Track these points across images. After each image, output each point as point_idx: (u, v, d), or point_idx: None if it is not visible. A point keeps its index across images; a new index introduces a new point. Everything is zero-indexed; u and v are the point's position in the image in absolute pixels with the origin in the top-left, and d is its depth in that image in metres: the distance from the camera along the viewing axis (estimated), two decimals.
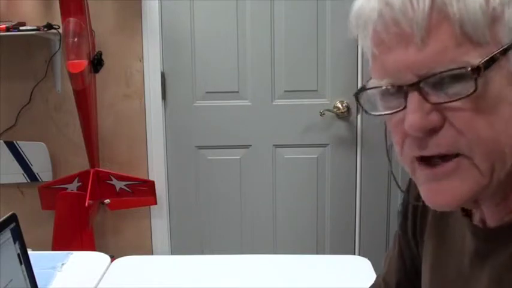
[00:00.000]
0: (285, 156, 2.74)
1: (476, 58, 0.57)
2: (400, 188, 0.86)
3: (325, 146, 2.72)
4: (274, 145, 2.73)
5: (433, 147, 0.61)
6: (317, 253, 2.77)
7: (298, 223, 2.79)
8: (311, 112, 2.66)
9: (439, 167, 0.62)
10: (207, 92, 2.69)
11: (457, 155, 0.61)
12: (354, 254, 2.74)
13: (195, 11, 2.62)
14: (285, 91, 2.67)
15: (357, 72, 2.63)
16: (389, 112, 0.63)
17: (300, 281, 1.49)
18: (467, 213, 0.73)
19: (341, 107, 2.65)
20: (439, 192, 0.63)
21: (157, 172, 2.71)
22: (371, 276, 1.47)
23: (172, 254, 2.80)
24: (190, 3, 2.61)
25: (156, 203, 2.65)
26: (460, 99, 0.58)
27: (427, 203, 0.65)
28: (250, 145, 2.74)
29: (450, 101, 0.59)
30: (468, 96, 0.58)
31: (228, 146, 2.74)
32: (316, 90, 2.67)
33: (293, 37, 2.63)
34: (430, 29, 0.58)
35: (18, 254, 1.01)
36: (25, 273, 1.02)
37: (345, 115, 2.67)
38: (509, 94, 0.59)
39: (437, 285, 0.77)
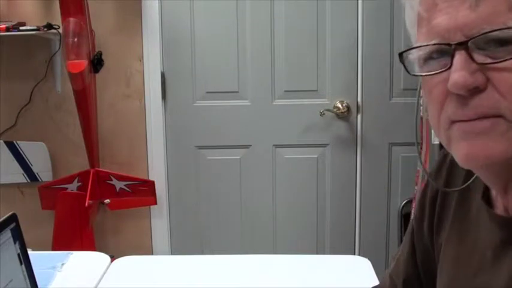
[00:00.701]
0: (285, 156, 2.74)
1: None
2: (427, 173, 0.85)
3: (325, 146, 2.72)
4: (274, 145, 2.73)
5: (475, 108, 0.61)
6: (317, 253, 2.76)
7: (298, 223, 2.79)
8: (311, 112, 2.66)
9: (478, 122, 0.61)
10: (207, 92, 2.69)
11: (496, 117, 0.61)
12: (354, 254, 2.74)
13: (195, 11, 2.62)
14: (285, 91, 2.67)
15: (357, 72, 2.63)
16: (433, 72, 0.64)
17: (300, 281, 1.49)
18: (489, 204, 0.73)
19: (341, 107, 2.65)
20: (475, 147, 0.62)
21: (157, 172, 2.71)
22: (371, 276, 1.47)
23: (172, 254, 2.80)
24: (190, 3, 2.61)
25: (156, 203, 2.65)
26: (505, 60, 0.59)
27: (460, 161, 0.65)
28: (250, 145, 2.74)
29: (496, 62, 0.59)
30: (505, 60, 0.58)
31: (228, 146, 2.74)
32: (316, 90, 2.67)
33: (293, 37, 2.63)
34: None
35: (18, 254, 1.00)
36: (25, 273, 1.02)
37: (345, 115, 2.67)
38: None
39: (459, 278, 0.77)
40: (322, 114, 2.62)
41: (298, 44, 2.63)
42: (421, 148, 2.35)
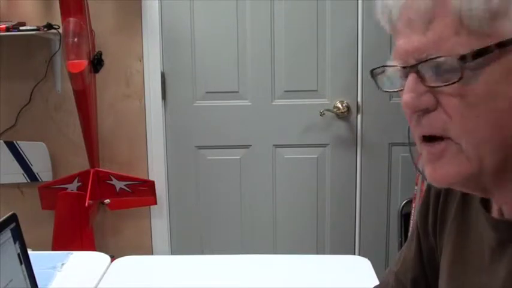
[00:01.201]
0: (285, 156, 2.74)
1: (469, 48, 0.60)
2: (421, 173, 0.88)
3: (325, 146, 2.72)
4: (274, 145, 2.73)
5: (426, 126, 0.65)
6: (317, 253, 2.77)
7: (298, 223, 2.79)
8: (311, 112, 2.66)
9: (431, 147, 0.66)
10: (207, 92, 2.69)
11: (446, 138, 0.64)
12: (354, 254, 2.74)
13: (195, 11, 2.62)
14: (285, 91, 2.67)
15: (357, 72, 2.63)
16: (395, 90, 0.68)
17: (300, 281, 1.49)
18: (486, 206, 0.73)
19: (341, 107, 2.65)
20: (434, 172, 0.66)
21: (157, 172, 2.71)
22: (371, 276, 1.48)
23: (172, 254, 2.80)
24: (190, 3, 2.61)
25: (156, 203, 2.65)
26: (448, 85, 0.61)
27: (428, 180, 0.69)
28: (250, 145, 2.74)
29: (441, 86, 0.62)
30: (454, 83, 0.61)
31: (228, 146, 2.74)
32: (316, 90, 2.67)
33: (293, 37, 2.63)
34: (432, 18, 0.62)
35: (18, 254, 1.01)
36: (25, 273, 1.02)
37: (345, 115, 2.67)
38: (506, 90, 0.61)
39: (458, 279, 0.78)
40: (322, 114, 2.62)
41: (298, 44, 2.63)
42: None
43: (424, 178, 0.90)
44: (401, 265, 0.94)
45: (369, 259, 1.60)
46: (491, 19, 0.59)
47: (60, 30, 2.40)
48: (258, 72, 2.66)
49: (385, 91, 0.70)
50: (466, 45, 0.60)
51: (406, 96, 0.64)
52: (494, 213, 0.72)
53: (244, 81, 2.67)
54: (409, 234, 0.95)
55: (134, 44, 2.62)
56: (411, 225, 2.52)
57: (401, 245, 2.55)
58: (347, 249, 2.77)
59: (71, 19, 2.26)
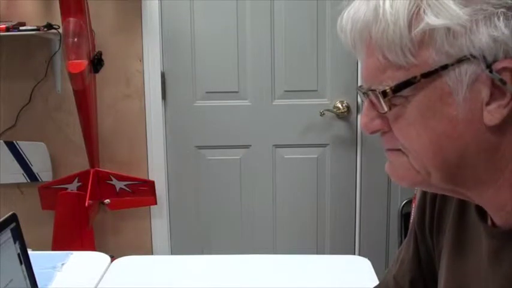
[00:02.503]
0: (285, 156, 2.74)
1: (397, 81, 0.63)
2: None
3: (325, 146, 2.73)
4: (274, 145, 2.73)
5: (383, 143, 0.71)
6: (317, 253, 2.77)
7: (298, 223, 2.79)
8: (311, 112, 2.66)
9: (390, 153, 0.71)
10: (207, 92, 2.69)
11: (398, 150, 0.69)
12: (354, 254, 2.74)
13: (195, 11, 2.62)
14: (285, 91, 2.67)
15: (357, 72, 2.63)
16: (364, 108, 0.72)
17: (300, 281, 1.49)
18: (482, 213, 0.73)
19: (341, 107, 2.65)
20: (394, 173, 0.71)
21: (157, 172, 2.71)
22: (371, 276, 1.48)
23: (172, 254, 2.80)
24: (190, 3, 2.61)
25: (156, 203, 2.65)
26: (382, 113, 0.66)
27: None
28: (250, 145, 2.74)
29: (383, 113, 0.66)
30: (385, 113, 0.66)
31: (228, 146, 2.74)
32: (316, 90, 2.67)
33: (293, 37, 2.63)
34: (366, 53, 0.66)
35: (18, 254, 1.01)
36: (25, 273, 1.02)
37: (345, 115, 2.67)
38: (442, 109, 0.63)
39: (456, 284, 0.78)
40: (322, 114, 2.62)
41: (298, 44, 2.63)
42: None
43: None
44: (399, 267, 0.94)
45: (369, 259, 1.60)
46: (415, 49, 0.62)
47: (60, 30, 2.40)
48: (258, 72, 2.66)
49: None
50: (394, 78, 0.63)
51: (362, 120, 0.70)
52: (490, 219, 0.72)
53: (244, 81, 2.67)
54: (407, 234, 0.95)
55: (134, 44, 2.62)
56: (410, 225, 2.52)
57: (401, 245, 2.54)
58: (347, 249, 2.77)
59: (71, 19, 2.26)
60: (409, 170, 0.68)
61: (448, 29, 0.60)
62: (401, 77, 0.63)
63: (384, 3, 0.63)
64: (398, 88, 0.63)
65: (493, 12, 0.59)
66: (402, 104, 0.64)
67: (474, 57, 0.60)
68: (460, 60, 0.60)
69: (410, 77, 0.62)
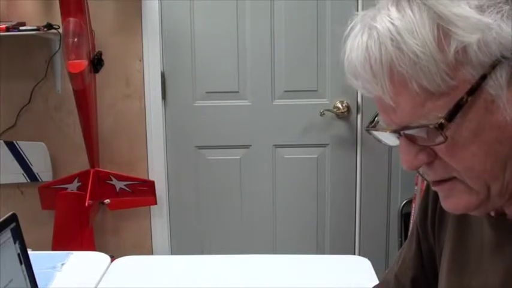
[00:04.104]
0: (285, 156, 2.74)
1: (444, 109, 0.61)
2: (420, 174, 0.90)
3: (325, 146, 2.72)
4: (274, 145, 2.73)
5: (432, 175, 0.68)
6: (317, 253, 2.76)
7: (298, 223, 2.79)
8: (311, 112, 2.66)
9: (442, 186, 0.69)
10: (207, 92, 2.69)
11: (452, 178, 0.67)
12: (354, 254, 2.74)
13: (195, 11, 2.62)
14: (285, 91, 2.67)
15: None
16: (395, 145, 0.70)
17: (300, 281, 1.49)
18: None
19: (341, 107, 2.65)
20: (448, 204, 0.70)
21: (157, 172, 2.71)
22: (371, 276, 1.48)
23: (172, 254, 2.80)
24: (190, 3, 2.61)
25: (156, 203, 2.65)
26: (437, 145, 0.64)
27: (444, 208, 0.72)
28: (250, 145, 2.74)
29: (431, 145, 0.64)
30: (441, 144, 0.63)
31: (228, 146, 2.74)
32: (316, 90, 2.67)
33: (293, 37, 2.63)
34: (396, 92, 0.63)
35: (18, 254, 1.01)
36: (25, 273, 1.02)
37: (345, 115, 2.67)
38: (490, 119, 0.62)
39: (458, 276, 0.78)
40: (322, 114, 2.62)
41: (298, 44, 2.63)
42: None
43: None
44: (400, 265, 0.95)
45: (369, 259, 1.60)
46: (451, 72, 0.60)
47: (60, 30, 2.40)
48: (258, 72, 2.66)
49: (386, 144, 0.72)
50: (439, 108, 0.62)
51: (404, 159, 0.67)
52: (493, 211, 0.73)
53: (244, 81, 2.67)
54: (409, 233, 0.96)
55: (134, 44, 2.62)
56: (411, 225, 2.52)
57: (401, 245, 2.54)
58: (347, 249, 2.77)
59: (71, 19, 2.26)
60: (469, 194, 0.67)
61: (480, 40, 0.59)
62: (446, 104, 0.61)
63: (402, 36, 0.61)
64: (451, 116, 0.61)
65: (505, 7, 0.60)
66: (453, 130, 0.62)
67: (505, 57, 0.60)
68: (494, 66, 0.60)
69: (457, 101, 0.61)
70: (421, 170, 0.69)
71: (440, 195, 0.70)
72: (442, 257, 0.84)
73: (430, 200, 0.87)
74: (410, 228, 2.53)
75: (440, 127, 0.61)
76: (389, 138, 0.70)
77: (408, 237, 0.96)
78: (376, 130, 0.70)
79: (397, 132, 0.66)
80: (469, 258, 0.77)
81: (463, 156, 0.64)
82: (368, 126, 0.72)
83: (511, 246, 0.69)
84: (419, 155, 0.66)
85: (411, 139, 0.66)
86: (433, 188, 0.71)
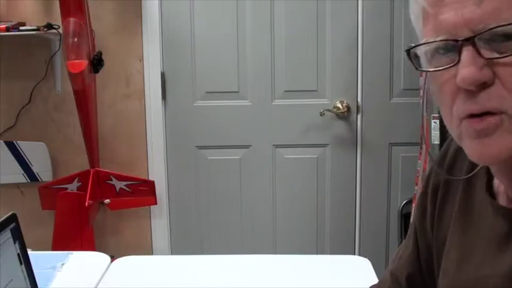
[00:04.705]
0: (285, 156, 2.74)
1: None
2: (432, 158, 0.86)
3: (325, 146, 2.72)
4: (274, 145, 2.73)
5: (482, 102, 0.62)
6: (317, 253, 2.76)
7: (298, 223, 2.79)
8: (311, 112, 2.66)
9: (483, 121, 0.63)
10: (207, 92, 2.69)
11: (500, 113, 0.62)
12: (354, 254, 2.74)
13: (195, 11, 2.62)
14: (285, 91, 2.67)
15: (357, 72, 2.63)
16: (441, 68, 0.65)
17: (300, 281, 1.49)
18: (492, 195, 0.74)
19: (341, 107, 2.65)
20: (484, 148, 0.64)
21: (157, 172, 2.71)
22: (371, 276, 1.47)
23: (172, 254, 2.80)
24: (190, 4, 2.61)
25: (156, 203, 2.65)
26: (511, 55, 0.59)
27: (472, 158, 0.67)
28: (250, 145, 2.74)
29: (502, 57, 0.60)
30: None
31: (228, 146, 2.74)
32: (316, 90, 2.67)
33: (293, 37, 2.62)
34: None
35: (18, 254, 1.00)
36: (25, 273, 1.02)
37: (345, 115, 2.67)
38: None
39: (464, 270, 0.77)
40: (322, 114, 2.62)
41: (298, 44, 2.63)
42: (421, 147, 2.35)
43: (434, 165, 0.88)
44: (397, 262, 0.94)
45: (369, 259, 1.60)
46: None
47: (60, 30, 2.40)
48: (258, 72, 2.66)
49: (426, 70, 0.68)
50: None
51: (466, 71, 0.61)
52: (503, 201, 0.73)
53: (244, 81, 2.67)
54: (407, 232, 0.95)
55: (134, 44, 2.62)
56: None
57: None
58: (347, 249, 2.77)
59: (71, 19, 2.26)
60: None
61: None
62: None
63: None
64: None
65: None
66: None
67: None
68: None
69: None
70: (464, 99, 0.63)
71: (474, 138, 0.64)
72: (445, 250, 0.82)
73: (429, 197, 0.86)
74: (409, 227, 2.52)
75: None
76: (436, 61, 0.65)
77: (407, 235, 0.95)
78: (430, 42, 0.65)
79: (469, 39, 0.61)
80: (475, 250, 0.76)
81: None
82: (414, 46, 0.67)
83: None
84: (483, 69, 0.61)
85: (478, 50, 0.61)
86: (465, 127, 0.65)
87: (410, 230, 0.93)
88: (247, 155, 2.75)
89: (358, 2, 2.57)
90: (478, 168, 0.77)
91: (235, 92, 2.68)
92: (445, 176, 0.84)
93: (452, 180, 0.83)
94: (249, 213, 2.78)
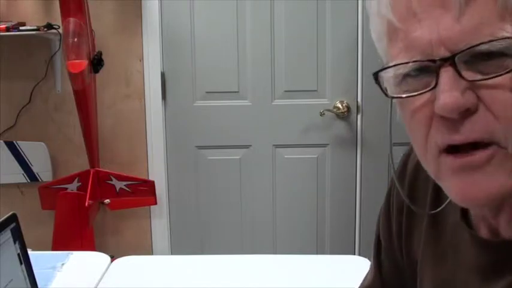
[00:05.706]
0: (285, 156, 2.74)
1: None
2: (393, 166, 0.75)
3: (325, 146, 2.72)
4: (274, 145, 2.73)
5: (466, 132, 0.53)
6: (317, 253, 2.76)
7: (298, 223, 2.79)
8: (311, 112, 2.66)
9: (471, 156, 0.54)
10: (207, 92, 2.69)
11: (490, 144, 0.53)
12: (354, 254, 2.74)
13: (195, 11, 2.62)
14: (285, 91, 2.67)
15: (357, 72, 2.63)
16: (415, 94, 0.56)
17: (300, 281, 1.49)
18: (468, 224, 0.66)
19: (341, 107, 2.65)
20: (471, 186, 0.55)
21: (157, 172, 2.71)
22: None
23: (172, 254, 2.80)
24: (190, 3, 2.61)
25: (156, 203, 2.65)
26: (499, 75, 0.52)
27: (454, 199, 0.57)
28: (250, 145, 2.74)
29: (486, 78, 0.52)
30: (508, 72, 0.51)
31: (228, 146, 2.74)
32: (316, 90, 2.67)
33: (293, 37, 2.62)
34: (469, 1, 0.52)
35: (18, 254, 1.01)
36: (25, 273, 1.02)
37: (345, 115, 2.67)
38: None
39: None
40: (322, 114, 2.62)
41: (298, 44, 2.63)
42: None
43: (396, 180, 0.78)
44: (360, 285, 0.87)
45: (369, 259, 1.60)
46: None
47: (60, 30, 2.40)
48: (258, 72, 2.66)
49: (396, 97, 0.58)
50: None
51: (448, 97, 0.52)
52: (484, 232, 0.64)
53: (244, 81, 2.67)
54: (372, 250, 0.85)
55: (134, 44, 2.62)
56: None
57: None
58: (347, 249, 2.77)
59: (71, 19, 2.26)
60: (506, 169, 0.53)
61: None
62: None
63: None
64: None
65: None
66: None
67: None
68: None
69: None
70: (442, 128, 0.54)
71: (459, 174, 0.55)
72: (419, 280, 0.74)
73: (394, 216, 0.77)
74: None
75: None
76: (407, 85, 0.56)
77: (371, 262, 0.84)
78: (396, 65, 0.55)
79: (448, 59, 0.52)
80: (454, 283, 0.67)
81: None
82: (382, 69, 0.58)
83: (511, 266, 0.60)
84: (466, 93, 0.52)
85: (459, 71, 0.52)
86: (451, 159, 0.55)
87: (374, 249, 0.84)
88: (247, 155, 2.75)
89: (358, 2, 2.57)
90: (449, 200, 0.65)
91: (235, 92, 2.68)
92: (407, 201, 0.73)
93: (417, 199, 0.73)
94: (249, 213, 2.78)
